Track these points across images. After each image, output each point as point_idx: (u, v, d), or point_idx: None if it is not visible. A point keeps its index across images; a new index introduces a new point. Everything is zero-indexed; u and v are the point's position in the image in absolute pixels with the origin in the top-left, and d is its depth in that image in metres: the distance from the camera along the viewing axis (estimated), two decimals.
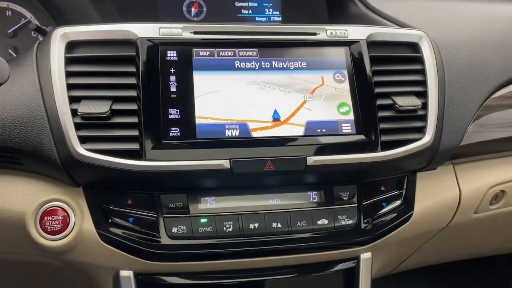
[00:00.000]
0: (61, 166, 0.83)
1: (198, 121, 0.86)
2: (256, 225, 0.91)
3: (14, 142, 0.82)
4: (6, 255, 0.94)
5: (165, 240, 0.88)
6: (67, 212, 0.86)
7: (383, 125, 0.91)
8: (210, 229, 0.89)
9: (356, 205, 0.95)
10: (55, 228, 0.85)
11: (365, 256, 0.99)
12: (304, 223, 0.92)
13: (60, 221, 0.86)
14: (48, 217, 0.85)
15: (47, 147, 0.82)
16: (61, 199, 0.86)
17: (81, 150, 0.81)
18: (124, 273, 0.91)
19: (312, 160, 0.86)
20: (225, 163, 0.84)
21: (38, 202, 0.85)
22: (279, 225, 0.91)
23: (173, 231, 0.88)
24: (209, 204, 0.91)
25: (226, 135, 0.86)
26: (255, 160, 0.85)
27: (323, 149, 0.88)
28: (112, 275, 0.94)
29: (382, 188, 0.97)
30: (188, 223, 0.89)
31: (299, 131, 0.89)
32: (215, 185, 0.91)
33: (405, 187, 0.98)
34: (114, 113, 0.84)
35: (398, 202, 0.98)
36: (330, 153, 0.87)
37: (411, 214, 0.98)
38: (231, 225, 0.90)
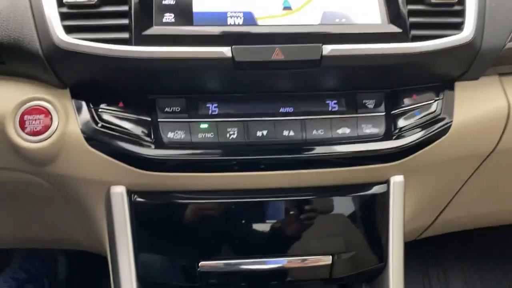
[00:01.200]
0: (44, 59, 0.74)
1: (195, 8, 0.75)
2: (265, 132, 0.78)
3: None
4: None
5: (160, 145, 0.76)
6: (49, 112, 0.76)
7: (413, 19, 0.78)
8: (211, 135, 0.77)
9: (383, 113, 0.81)
10: (36, 128, 0.75)
11: (396, 179, 0.84)
12: (321, 132, 0.79)
13: (41, 120, 0.76)
14: (29, 116, 0.75)
15: (29, 38, 0.73)
16: (44, 98, 0.76)
17: (66, 37, 0.71)
18: (115, 189, 0.80)
19: (329, 49, 0.73)
20: (226, 51, 0.72)
21: (18, 100, 0.76)
22: (291, 133, 0.79)
23: (169, 136, 0.77)
24: (211, 110, 0.79)
25: (228, 23, 0.75)
26: (261, 47, 0.73)
27: (342, 38, 0.75)
28: (104, 196, 0.82)
29: (414, 97, 0.83)
30: (186, 128, 0.78)
31: (314, 20, 0.76)
32: (216, 86, 0.79)
33: (442, 96, 0.83)
34: (103, 1, 0.74)
35: (433, 111, 0.83)
36: (351, 42, 0.74)
37: (450, 126, 0.82)
38: (235, 132, 0.78)
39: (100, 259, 0.98)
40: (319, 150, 0.79)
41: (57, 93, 0.78)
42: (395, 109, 0.82)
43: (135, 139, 0.77)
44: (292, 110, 0.80)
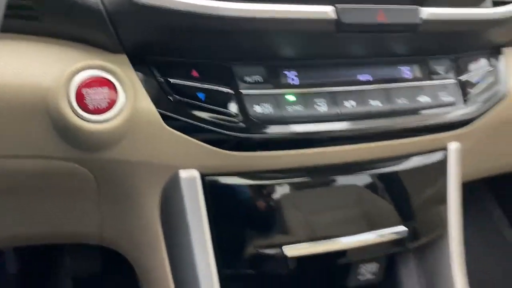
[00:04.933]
0: (105, 15, 0.58)
1: None
2: (353, 102, 0.72)
3: None
4: (12, 160, 0.65)
5: (248, 120, 0.66)
6: (113, 84, 0.60)
7: None
8: (301, 107, 0.69)
9: (454, 81, 0.80)
10: (100, 104, 0.59)
11: (453, 145, 0.85)
12: (404, 100, 0.75)
13: (106, 94, 0.59)
14: (88, 90, 0.59)
15: None
16: (104, 66, 0.60)
17: None
18: (186, 173, 0.68)
19: (429, 12, 0.69)
20: (330, 11, 0.64)
21: (70, 69, 0.59)
22: (378, 103, 0.74)
23: (256, 109, 0.67)
24: (291, 79, 0.70)
25: None
26: (365, 7, 0.66)
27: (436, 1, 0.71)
28: (164, 183, 0.69)
29: (478, 63, 0.83)
30: (273, 100, 0.68)
31: None
32: (300, 51, 0.71)
33: (500, 62, 0.85)
34: None
35: (494, 76, 0.84)
36: (446, 5, 0.71)
37: (508, 90, 0.85)
38: (324, 103, 0.70)
39: None
40: (406, 119, 0.75)
41: (115, 60, 0.62)
42: (463, 76, 0.81)
43: (218, 114, 0.65)
44: (371, 78, 0.75)
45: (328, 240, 0.75)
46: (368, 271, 0.89)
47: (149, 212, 0.73)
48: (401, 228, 0.80)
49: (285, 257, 0.72)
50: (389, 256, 0.91)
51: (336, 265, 0.91)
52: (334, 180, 0.77)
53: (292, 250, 0.73)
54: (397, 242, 0.80)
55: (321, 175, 0.75)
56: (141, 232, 0.78)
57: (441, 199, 0.85)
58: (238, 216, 0.71)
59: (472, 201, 1.92)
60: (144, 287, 0.91)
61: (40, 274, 1.43)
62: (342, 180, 0.77)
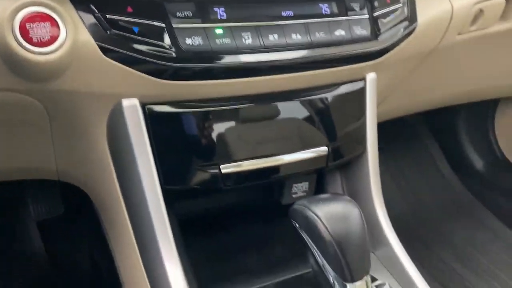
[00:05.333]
0: None
1: None
2: (276, 36, 0.81)
3: None
4: None
5: (179, 52, 0.74)
6: (54, 20, 0.67)
7: None
8: (228, 40, 0.78)
9: (368, 16, 0.90)
10: (43, 37, 0.66)
11: (371, 76, 0.96)
12: (322, 34, 0.85)
13: (48, 29, 0.67)
14: (32, 24, 0.66)
15: None
16: (46, 4, 0.67)
17: None
18: (127, 101, 0.76)
19: None
20: None
21: (15, 5, 0.65)
22: (298, 36, 0.83)
23: (187, 42, 0.75)
24: (219, 15, 0.79)
25: None
26: None
27: None
28: (109, 112, 0.78)
29: (388, 1, 0.93)
30: (203, 33, 0.76)
31: None
32: None
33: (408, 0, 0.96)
34: None
35: (404, 13, 0.95)
36: None
37: (415, 26, 0.96)
38: (249, 36, 0.79)
39: None
40: (323, 51, 0.85)
41: None
42: (376, 11, 0.91)
43: (152, 47, 0.73)
44: (292, 14, 0.84)
45: (260, 159, 0.86)
46: (299, 189, 1.02)
47: (98, 142, 0.82)
48: (324, 148, 0.91)
49: (221, 174, 0.83)
50: (319, 176, 1.04)
51: (272, 184, 1.03)
52: (262, 107, 0.87)
53: (227, 168, 0.83)
54: (320, 159, 0.92)
55: (251, 102, 0.85)
56: (92, 162, 0.87)
57: (360, 123, 0.97)
58: (177, 140, 0.81)
59: (411, 137, 2.11)
60: (102, 217, 1.00)
61: (4, 220, 1.48)
62: (270, 107, 0.87)
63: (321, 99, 0.92)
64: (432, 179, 1.98)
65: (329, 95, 0.92)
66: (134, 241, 0.84)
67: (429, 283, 0.88)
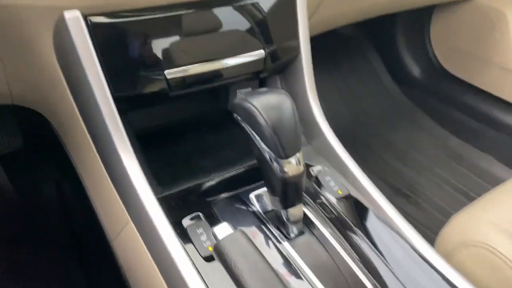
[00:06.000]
0: None
1: None
2: None
3: None
4: None
5: None
6: None
7: None
8: None
9: None
10: None
11: None
12: None
13: None
14: None
15: None
16: None
17: None
18: (69, 14, 0.81)
19: None
20: None
21: None
22: None
23: None
24: None
25: None
26: None
27: None
28: (53, 27, 0.82)
29: None
30: None
31: None
32: None
33: None
34: None
35: None
36: None
37: None
38: None
39: None
40: None
41: None
42: None
43: None
44: None
45: (202, 63, 0.93)
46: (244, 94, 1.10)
47: (48, 59, 0.86)
48: (261, 51, 0.99)
49: (166, 79, 0.90)
50: (261, 81, 1.13)
51: (218, 93, 1.11)
52: (200, 13, 0.92)
53: (172, 74, 0.90)
54: (258, 62, 1.00)
55: (188, 8, 0.90)
56: (45, 81, 0.91)
57: (293, 26, 1.05)
58: (121, 48, 0.86)
59: (355, 51, 2.21)
60: (64, 139, 1.06)
61: None
62: (208, 14, 0.93)
63: (256, 6, 0.98)
64: (375, 89, 2.12)
65: (265, 3, 0.99)
66: (98, 156, 0.90)
67: (371, 180, 0.98)
